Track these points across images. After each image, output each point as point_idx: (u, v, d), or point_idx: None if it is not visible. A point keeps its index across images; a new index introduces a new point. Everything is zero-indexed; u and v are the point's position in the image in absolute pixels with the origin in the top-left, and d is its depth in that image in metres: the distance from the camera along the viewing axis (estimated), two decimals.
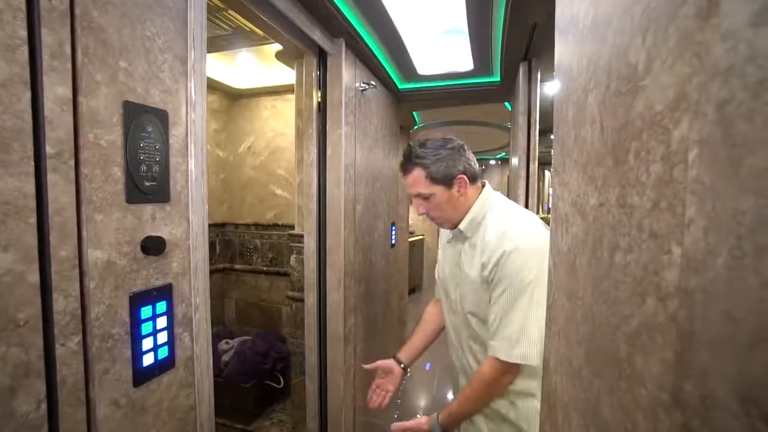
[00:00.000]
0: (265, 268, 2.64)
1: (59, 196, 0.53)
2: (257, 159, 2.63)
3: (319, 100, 1.47)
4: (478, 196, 1.04)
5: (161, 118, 0.69)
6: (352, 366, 1.62)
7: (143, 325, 0.66)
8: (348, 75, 1.50)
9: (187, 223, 0.75)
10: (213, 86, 2.47)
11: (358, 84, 1.62)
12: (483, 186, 1.06)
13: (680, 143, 0.21)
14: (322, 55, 1.46)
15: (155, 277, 0.68)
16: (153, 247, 0.66)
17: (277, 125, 2.55)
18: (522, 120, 1.77)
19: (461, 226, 1.03)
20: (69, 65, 0.54)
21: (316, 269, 1.51)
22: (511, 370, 0.92)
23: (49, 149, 0.51)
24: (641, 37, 0.26)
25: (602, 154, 0.32)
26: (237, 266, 2.71)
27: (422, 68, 1.96)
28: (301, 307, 1.62)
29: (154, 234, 0.67)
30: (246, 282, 2.71)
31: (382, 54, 1.72)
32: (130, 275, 0.64)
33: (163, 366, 0.70)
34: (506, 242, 0.92)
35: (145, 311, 0.66)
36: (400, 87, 2.14)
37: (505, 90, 2.18)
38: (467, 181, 1.01)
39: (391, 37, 1.56)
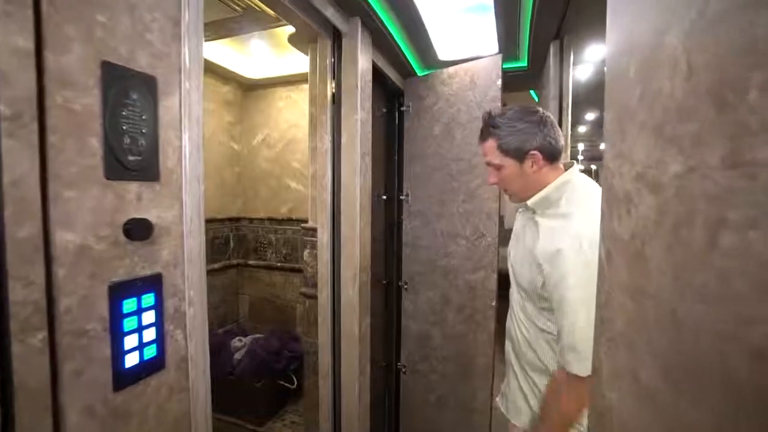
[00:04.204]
0: (279, 264, 2.58)
1: (17, 166, 0.44)
2: (272, 151, 2.57)
3: (334, 85, 1.38)
4: (556, 177, 0.94)
5: (149, 84, 0.60)
6: (366, 367, 1.52)
7: (126, 320, 0.57)
8: (364, 58, 1.40)
9: (181, 206, 0.66)
10: (226, 76, 2.42)
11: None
12: (568, 168, 0.97)
13: None
14: (336, 37, 1.36)
15: (141, 266, 0.60)
16: (138, 231, 0.58)
17: (292, 116, 2.48)
18: (553, 105, 1.63)
19: (529, 201, 0.96)
20: (30, 13, 0.45)
21: (330, 264, 1.42)
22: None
23: (3, 108, 0.43)
24: None
25: (691, 103, 0.25)
26: (251, 262, 2.66)
27: (443, 53, 1.84)
28: (314, 304, 1.53)
29: (139, 216, 0.59)
30: (260, 278, 2.65)
31: (401, 36, 1.61)
32: (109, 262, 0.55)
33: (150, 367, 0.62)
34: (566, 239, 0.85)
35: (128, 304, 0.58)
36: (419, 74, 2.03)
37: (533, 76, 2.03)
38: (542, 158, 0.93)
39: (410, 15, 1.45)
